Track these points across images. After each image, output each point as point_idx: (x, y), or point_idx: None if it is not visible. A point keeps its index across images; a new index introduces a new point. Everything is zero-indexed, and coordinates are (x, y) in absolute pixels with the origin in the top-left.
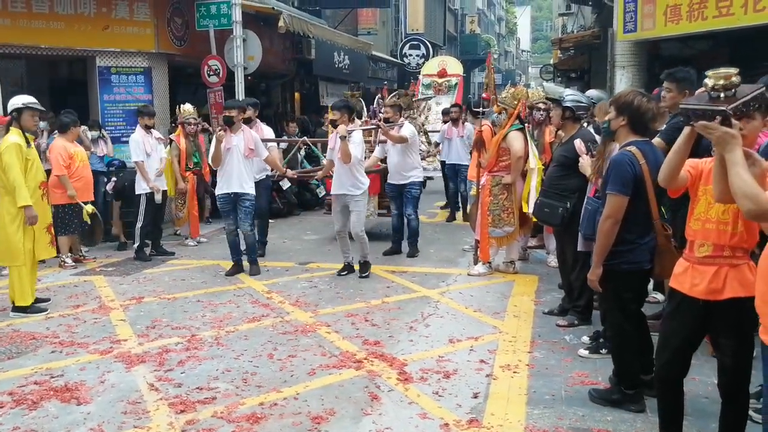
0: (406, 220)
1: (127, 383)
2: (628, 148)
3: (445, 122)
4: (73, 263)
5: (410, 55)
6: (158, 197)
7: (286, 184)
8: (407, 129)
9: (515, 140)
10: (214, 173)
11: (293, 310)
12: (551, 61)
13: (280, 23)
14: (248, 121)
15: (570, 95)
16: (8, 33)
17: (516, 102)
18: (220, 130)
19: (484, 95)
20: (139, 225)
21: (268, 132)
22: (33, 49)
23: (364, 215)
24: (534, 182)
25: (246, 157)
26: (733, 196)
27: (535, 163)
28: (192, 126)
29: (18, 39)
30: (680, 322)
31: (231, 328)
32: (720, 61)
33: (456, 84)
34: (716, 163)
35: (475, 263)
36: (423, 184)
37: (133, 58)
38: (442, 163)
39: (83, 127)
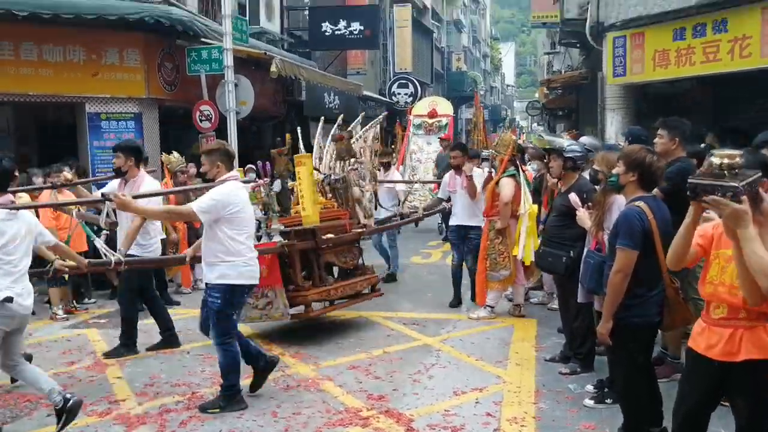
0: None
1: None
2: (636, 203)
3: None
4: (65, 315)
5: (399, 93)
6: None
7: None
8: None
9: (504, 186)
10: None
11: (294, 363)
12: (536, 96)
13: (273, 68)
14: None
15: (570, 145)
16: None
17: (504, 148)
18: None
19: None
20: None
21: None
22: (21, 96)
23: None
24: (524, 226)
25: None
26: (751, 272)
27: (526, 208)
28: (184, 175)
29: (5, 87)
30: (696, 383)
31: None
32: (704, 100)
33: (446, 124)
34: (683, 230)
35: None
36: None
37: (123, 104)
38: (445, 217)
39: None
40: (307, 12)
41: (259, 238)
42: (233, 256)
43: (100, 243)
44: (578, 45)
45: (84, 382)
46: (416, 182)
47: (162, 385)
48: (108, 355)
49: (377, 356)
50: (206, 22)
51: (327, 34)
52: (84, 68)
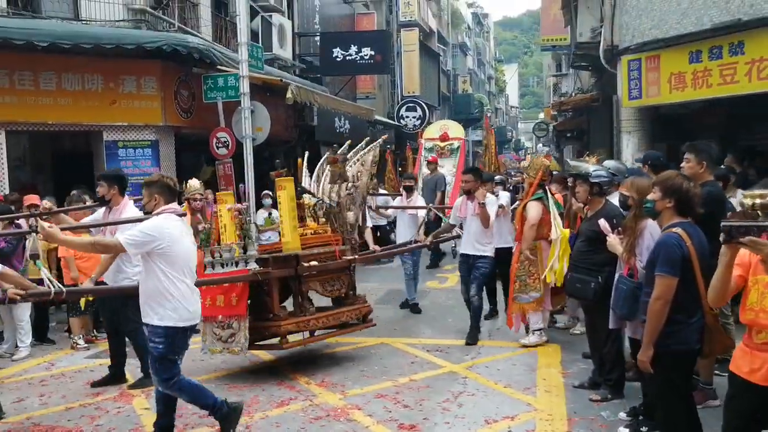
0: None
1: None
2: (674, 229)
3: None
4: (86, 344)
5: (407, 116)
6: None
7: None
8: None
9: (531, 209)
10: None
11: (321, 392)
12: (540, 116)
13: (288, 95)
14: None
15: (596, 170)
16: (15, 111)
17: (534, 172)
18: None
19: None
20: None
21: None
22: (40, 125)
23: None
24: (557, 252)
25: None
26: None
27: (557, 233)
28: (198, 202)
29: (25, 116)
30: (739, 408)
31: (261, 414)
32: (716, 120)
33: (458, 147)
34: (721, 271)
35: (526, 332)
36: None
37: (140, 131)
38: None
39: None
40: (318, 38)
41: (236, 264)
42: (173, 296)
43: (45, 272)
44: (590, 68)
45: (111, 414)
46: (428, 207)
47: (190, 416)
48: (133, 386)
49: (404, 384)
50: (221, 49)
51: (338, 59)
52: (102, 97)
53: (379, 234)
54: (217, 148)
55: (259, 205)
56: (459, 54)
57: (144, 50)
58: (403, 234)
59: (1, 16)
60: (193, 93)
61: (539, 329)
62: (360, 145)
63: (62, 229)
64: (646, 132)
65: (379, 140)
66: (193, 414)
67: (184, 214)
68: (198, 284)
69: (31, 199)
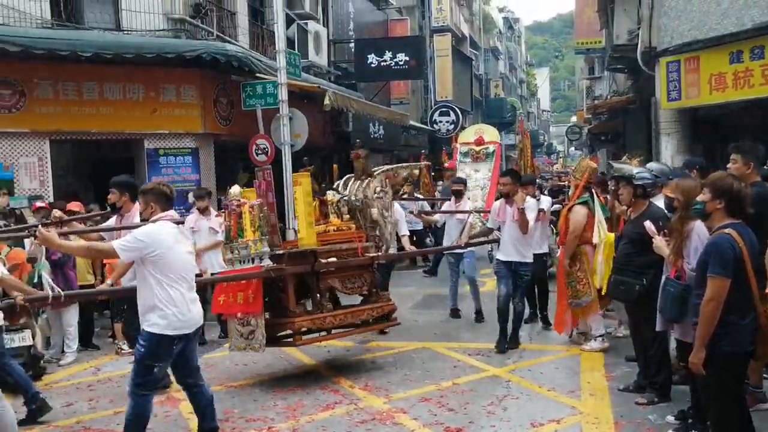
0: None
1: None
2: (725, 230)
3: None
4: (130, 349)
5: (440, 121)
6: None
7: None
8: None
9: (575, 214)
10: None
11: (365, 396)
12: (572, 120)
13: (326, 101)
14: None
15: (639, 173)
16: (59, 120)
17: (581, 174)
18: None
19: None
20: None
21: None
22: (83, 134)
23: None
24: (600, 256)
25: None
26: None
27: (600, 237)
28: (236, 208)
29: (69, 125)
30: None
31: (307, 418)
32: (757, 119)
33: (494, 151)
34: None
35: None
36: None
37: (180, 139)
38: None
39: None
40: (352, 45)
41: (252, 261)
42: (163, 304)
43: (45, 276)
44: (626, 70)
45: (159, 418)
46: (472, 211)
47: (237, 420)
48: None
49: (447, 388)
50: (259, 57)
51: (372, 65)
52: (143, 105)
53: (414, 238)
54: (257, 155)
55: None
56: (491, 58)
57: (184, 59)
58: (450, 239)
59: (46, 28)
60: (232, 101)
61: (601, 335)
62: (402, 164)
63: (68, 234)
64: (684, 134)
65: (421, 164)
66: (240, 418)
67: (181, 222)
68: (214, 281)
69: (74, 206)
